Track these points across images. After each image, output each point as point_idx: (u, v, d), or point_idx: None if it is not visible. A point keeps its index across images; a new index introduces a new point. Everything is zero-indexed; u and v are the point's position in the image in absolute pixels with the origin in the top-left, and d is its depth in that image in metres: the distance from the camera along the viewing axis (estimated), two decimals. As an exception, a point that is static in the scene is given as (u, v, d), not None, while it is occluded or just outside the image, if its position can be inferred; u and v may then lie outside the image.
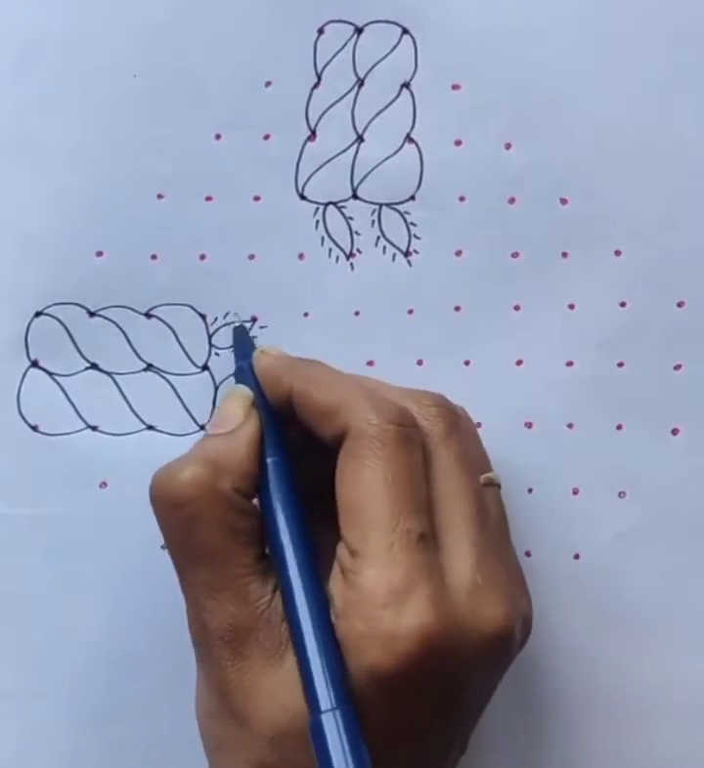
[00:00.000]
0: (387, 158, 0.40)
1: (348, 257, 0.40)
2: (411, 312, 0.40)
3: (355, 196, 0.40)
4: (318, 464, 0.35)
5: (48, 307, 0.40)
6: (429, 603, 0.31)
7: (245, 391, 0.37)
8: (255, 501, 0.35)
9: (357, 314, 0.40)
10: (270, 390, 0.36)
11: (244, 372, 0.37)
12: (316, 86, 0.39)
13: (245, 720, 0.33)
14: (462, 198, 0.40)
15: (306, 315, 0.40)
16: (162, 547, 0.40)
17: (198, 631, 0.34)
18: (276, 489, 0.35)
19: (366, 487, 0.32)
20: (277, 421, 0.36)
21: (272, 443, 0.35)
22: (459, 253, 0.40)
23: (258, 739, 0.33)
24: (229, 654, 0.33)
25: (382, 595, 0.31)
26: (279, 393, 0.36)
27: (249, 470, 0.35)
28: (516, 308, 0.40)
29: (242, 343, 0.39)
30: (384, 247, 0.40)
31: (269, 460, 0.35)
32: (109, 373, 0.40)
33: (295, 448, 0.36)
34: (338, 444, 0.34)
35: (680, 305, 0.40)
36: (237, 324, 0.39)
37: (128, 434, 0.40)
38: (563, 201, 0.40)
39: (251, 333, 0.40)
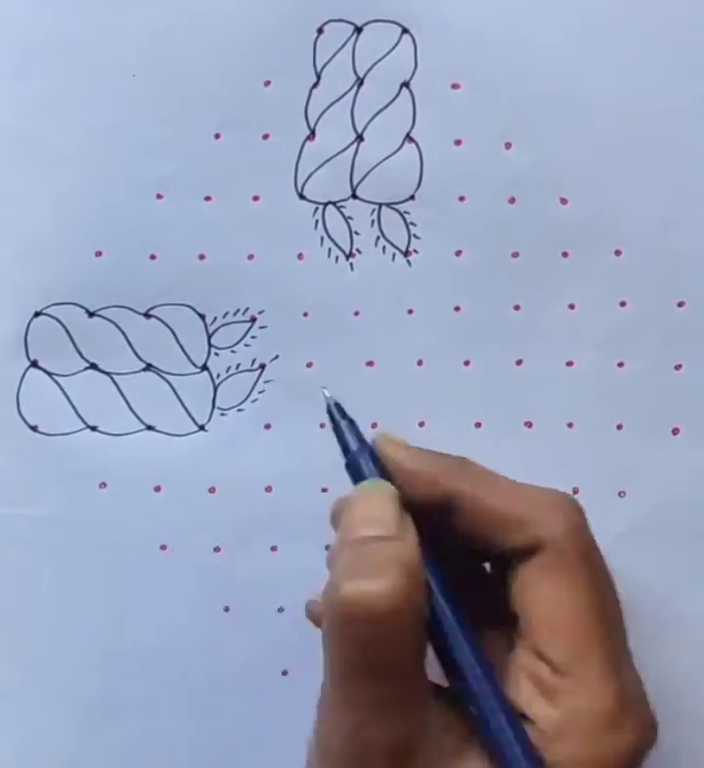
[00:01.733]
0: (387, 158, 0.40)
1: (348, 257, 0.40)
2: (410, 311, 0.40)
3: (354, 196, 0.40)
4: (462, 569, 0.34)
5: (47, 307, 0.40)
6: (641, 726, 0.31)
7: (390, 488, 0.33)
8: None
9: (356, 314, 0.40)
10: (419, 490, 0.33)
11: (360, 465, 0.33)
12: (315, 85, 0.39)
13: None
14: (461, 198, 0.40)
15: (306, 314, 0.40)
16: (161, 548, 0.40)
17: (353, 748, 0.31)
18: (444, 600, 0.32)
19: (576, 606, 0.31)
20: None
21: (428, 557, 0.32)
22: (458, 253, 0.40)
23: None
24: None
25: (604, 718, 0.31)
26: (433, 494, 0.33)
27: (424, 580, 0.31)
28: (516, 308, 0.40)
29: (347, 425, 0.34)
30: (384, 247, 0.40)
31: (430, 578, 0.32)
32: (108, 373, 0.40)
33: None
34: (518, 554, 0.32)
35: (680, 305, 0.40)
36: (331, 401, 0.35)
37: (127, 434, 0.40)
38: (563, 201, 0.40)
39: (251, 333, 0.40)
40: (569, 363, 0.40)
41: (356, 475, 0.33)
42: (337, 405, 0.35)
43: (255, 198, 0.40)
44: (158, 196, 0.40)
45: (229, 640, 0.41)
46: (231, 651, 0.41)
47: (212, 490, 0.40)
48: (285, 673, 0.41)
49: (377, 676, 0.30)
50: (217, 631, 0.41)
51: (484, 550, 0.33)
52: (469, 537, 0.33)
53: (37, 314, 0.40)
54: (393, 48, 0.39)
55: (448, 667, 0.32)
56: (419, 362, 0.40)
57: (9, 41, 0.39)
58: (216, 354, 0.40)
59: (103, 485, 0.40)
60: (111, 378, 0.40)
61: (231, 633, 0.41)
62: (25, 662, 0.40)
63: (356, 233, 0.40)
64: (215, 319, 0.40)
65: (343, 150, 0.40)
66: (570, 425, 0.40)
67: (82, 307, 0.40)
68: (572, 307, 0.40)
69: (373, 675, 0.30)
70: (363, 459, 0.33)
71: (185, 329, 0.40)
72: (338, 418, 0.34)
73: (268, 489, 0.41)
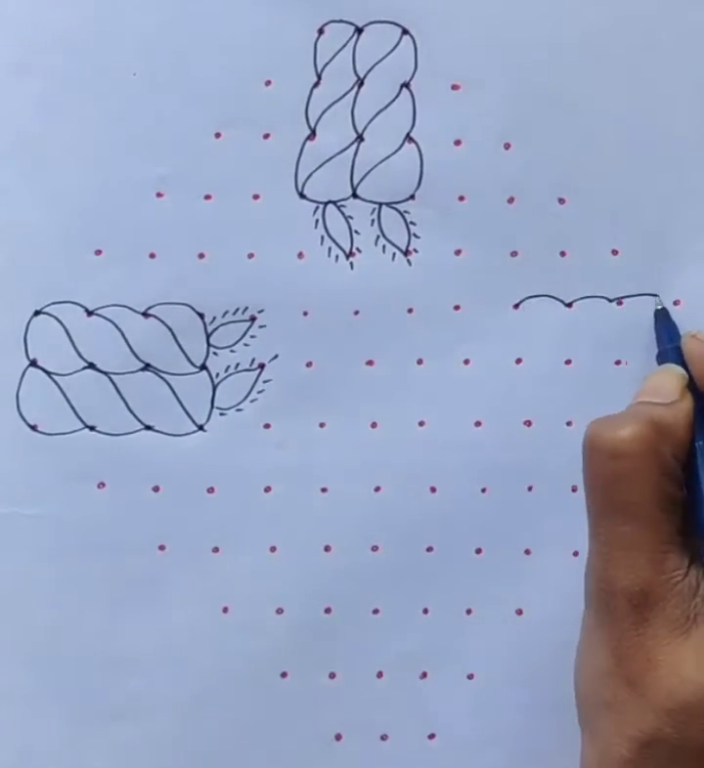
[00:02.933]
0: (387, 158, 0.40)
1: (348, 256, 0.40)
2: (410, 311, 0.40)
3: (355, 195, 0.40)
4: None
5: (47, 305, 0.40)
6: None
7: (680, 371, 0.37)
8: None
9: (356, 313, 0.40)
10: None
11: (670, 354, 0.38)
12: (316, 85, 0.40)
13: (643, 688, 0.33)
14: (461, 198, 0.40)
15: (305, 314, 0.40)
16: (160, 548, 0.40)
17: (602, 586, 0.34)
18: None
19: None
20: None
21: (702, 427, 0.36)
22: (458, 252, 0.40)
23: (655, 708, 0.33)
24: (633, 617, 0.33)
25: None
26: None
27: (687, 443, 0.35)
28: (515, 307, 0.40)
29: (666, 325, 0.39)
30: (384, 246, 0.40)
31: (699, 443, 0.36)
32: (106, 373, 0.40)
33: None
34: None
35: (676, 303, 0.40)
36: (659, 308, 0.39)
37: (126, 434, 0.40)
38: (562, 201, 0.40)
39: (250, 332, 0.40)
40: (568, 362, 0.40)
41: (662, 362, 0.39)
42: (664, 310, 0.40)
43: (255, 197, 0.40)
44: (158, 195, 0.40)
45: (227, 641, 0.40)
46: (229, 652, 0.40)
47: (211, 490, 0.40)
48: (283, 675, 0.41)
49: (618, 513, 0.34)
50: (216, 632, 0.40)
51: None
52: None
53: (37, 312, 0.40)
54: (393, 49, 0.40)
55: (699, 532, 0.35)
56: (419, 362, 0.40)
57: (8, 39, 0.39)
58: (215, 353, 0.40)
59: (101, 484, 0.40)
60: (110, 378, 0.40)
61: (229, 634, 0.40)
62: (25, 662, 0.40)
63: (356, 232, 0.40)
64: (214, 318, 0.40)
65: (344, 150, 0.40)
66: (569, 423, 0.40)
67: (81, 306, 0.40)
68: (570, 306, 0.40)
69: (614, 511, 0.34)
70: (667, 351, 0.39)
71: (184, 329, 0.40)
72: (662, 321, 0.40)
73: (267, 489, 0.40)
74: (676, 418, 0.35)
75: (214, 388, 0.40)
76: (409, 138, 0.40)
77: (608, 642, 0.34)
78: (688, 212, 0.40)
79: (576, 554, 0.40)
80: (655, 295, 0.40)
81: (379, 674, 0.41)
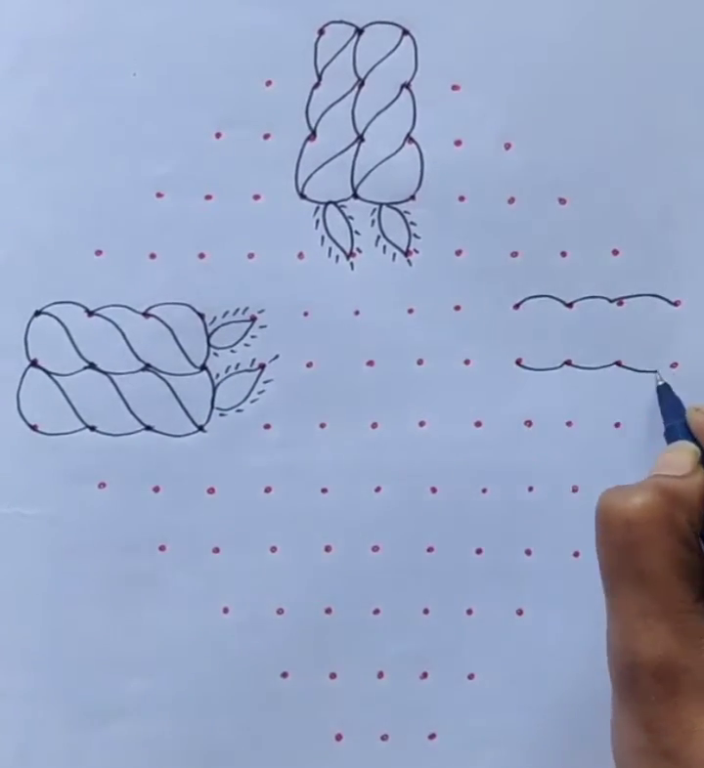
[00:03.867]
0: (387, 158, 0.40)
1: (348, 256, 0.40)
2: (411, 311, 0.40)
3: (355, 196, 0.40)
4: None
5: (47, 306, 0.40)
6: None
7: (692, 447, 0.37)
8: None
9: (357, 313, 0.40)
10: None
11: (678, 430, 0.38)
12: (316, 86, 0.40)
13: (682, 760, 0.32)
14: (461, 198, 0.40)
15: (306, 314, 0.40)
16: (160, 548, 0.40)
17: (625, 661, 0.33)
18: None
19: None
20: None
21: None
22: (458, 252, 0.40)
23: None
24: (661, 690, 0.32)
25: None
26: None
27: (702, 512, 0.35)
28: (516, 307, 0.40)
29: (670, 401, 0.40)
30: (384, 247, 0.40)
31: None
32: (106, 373, 0.40)
33: None
34: None
35: (676, 304, 0.40)
36: (661, 383, 0.40)
37: (126, 434, 0.40)
38: (562, 201, 0.40)
39: (251, 333, 0.40)
40: (568, 362, 0.40)
41: (670, 438, 0.39)
42: (666, 385, 0.40)
43: (256, 197, 0.40)
44: (159, 195, 0.40)
45: (227, 641, 0.40)
46: (229, 652, 0.40)
47: (211, 490, 0.40)
48: (284, 675, 0.41)
49: (635, 582, 0.33)
50: (216, 632, 0.40)
51: None
52: None
53: (37, 312, 0.40)
54: (394, 49, 0.40)
55: None
56: (419, 362, 0.40)
57: (8, 38, 0.39)
58: (215, 354, 0.40)
59: (102, 485, 0.40)
60: (110, 378, 0.40)
61: (229, 634, 0.40)
62: (25, 662, 0.40)
63: (356, 232, 0.40)
64: (215, 318, 0.40)
65: (344, 151, 0.40)
66: (569, 424, 0.40)
67: (82, 306, 0.40)
68: (570, 305, 0.40)
69: (630, 581, 0.33)
70: (674, 427, 0.39)
71: (184, 329, 0.40)
72: (665, 396, 0.40)
73: (267, 489, 0.40)
74: (690, 488, 0.35)
75: (214, 388, 0.40)
76: (409, 138, 0.40)
77: (639, 718, 0.33)
78: (688, 212, 0.40)
79: (576, 554, 0.40)
80: (654, 371, 0.40)
81: (380, 674, 0.41)
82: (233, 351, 0.40)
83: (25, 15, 0.39)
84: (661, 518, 0.33)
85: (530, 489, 0.40)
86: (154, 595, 0.40)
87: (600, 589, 0.40)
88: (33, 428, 0.40)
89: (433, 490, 0.40)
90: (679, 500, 0.34)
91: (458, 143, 0.40)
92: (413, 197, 0.40)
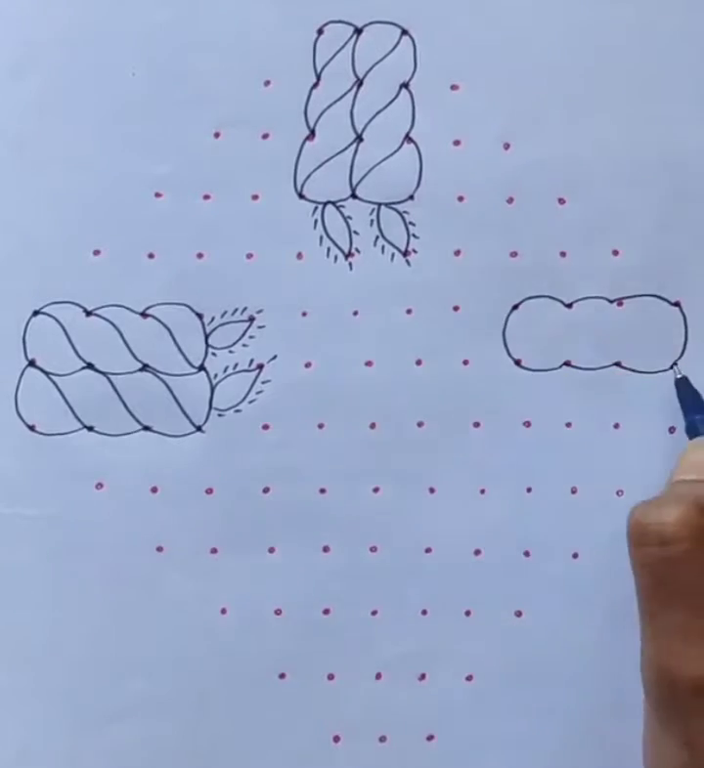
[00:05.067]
0: (386, 158, 0.40)
1: (347, 256, 0.40)
2: (409, 311, 0.40)
3: (354, 196, 0.40)
4: None
5: (45, 306, 0.40)
6: None
7: None
8: None
9: (355, 313, 0.40)
10: None
11: (700, 425, 0.38)
12: (315, 86, 0.40)
13: None
14: (460, 198, 0.40)
15: (304, 314, 0.40)
16: (158, 549, 0.40)
17: (661, 678, 0.33)
18: None
19: None
20: None
21: None
22: (457, 253, 0.40)
23: None
24: (701, 706, 0.32)
25: None
26: None
27: None
28: (515, 307, 0.40)
29: (689, 395, 0.39)
30: (383, 247, 0.40)
31: None
32: (104, 373, 0.40)
33: None
34: None
35: (676, 304, 0.40)
36: (679, 377, 0.40)
37: (124, 434, 0.40)
38: (561, 201, 0.40)
39: (249, 333, 0.40)
40: (567, 363, 0.40)
41: (692, 434, 0.38)
42: (685, 378, 0.39)
43: (254, 197, 0.40)
44: (157, 195, 0.40)
45: (226, 642, 0.40)
46: (228, 653, 0.40)
47: (209, 491, 0.40)
48: (282, 676, 0.41)
49: (673, 601, 0.32)
50: (214, 633, 0.40)
51: None
52: None
53: (36, 312, 0.40)
54: (393, 49, 0.40)
55: None
56: (418, 362, 0.40)
57: (7, 39, 0.39)
58: (214, 354, 0.40)
59: (99, 485, 0.40)
60: (108, 378, 0.40)
61: (228, 635, 0.40)
62: (25, 662, 0.40)
63: (355, 232, 0.40)
64: (213, 318, 0.40)
65: (343, 150, 0.40)
66: (568, 424, 0.40)
67: (80, 306, 0.40)
68: (570, 306, 0.40)
69: (668, 599, 0.32)
70: (694, 422, 0.38)
71: (182, 329, 0.40)
72: (684, 389, 0.39)
73: (265, 490, 0.40)
74: None
75: (213, 389, 0.40)
76: (408, 138, 0.40)
77: (678, 735, 0.33)
78: (688, 212, 0.40)
79: (575, 556, 0.40)
80: (674, 365, 0.40)
81: (378, 675, 0.41)
82: (231, 351, 0.40)
83: (25, 15, 0.39)
84: (697, 533, 0.32)
85: (528, 489, 0.40)
86: (153, 596, 0.40)
87: (599, 590, 0.40)
88: (31, 428, 0.40)
89: (431, 490, 0.40)
90: None
91: (457, 143, 0.40)
92: (411, 197, 0.40)
